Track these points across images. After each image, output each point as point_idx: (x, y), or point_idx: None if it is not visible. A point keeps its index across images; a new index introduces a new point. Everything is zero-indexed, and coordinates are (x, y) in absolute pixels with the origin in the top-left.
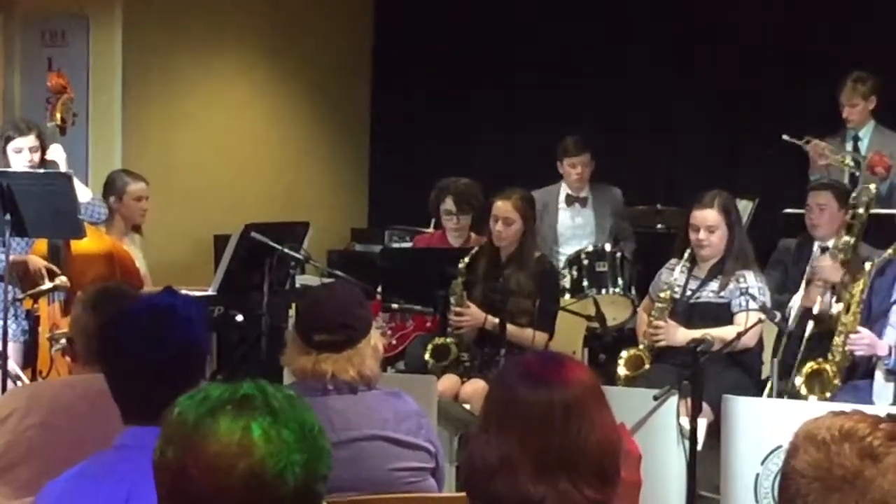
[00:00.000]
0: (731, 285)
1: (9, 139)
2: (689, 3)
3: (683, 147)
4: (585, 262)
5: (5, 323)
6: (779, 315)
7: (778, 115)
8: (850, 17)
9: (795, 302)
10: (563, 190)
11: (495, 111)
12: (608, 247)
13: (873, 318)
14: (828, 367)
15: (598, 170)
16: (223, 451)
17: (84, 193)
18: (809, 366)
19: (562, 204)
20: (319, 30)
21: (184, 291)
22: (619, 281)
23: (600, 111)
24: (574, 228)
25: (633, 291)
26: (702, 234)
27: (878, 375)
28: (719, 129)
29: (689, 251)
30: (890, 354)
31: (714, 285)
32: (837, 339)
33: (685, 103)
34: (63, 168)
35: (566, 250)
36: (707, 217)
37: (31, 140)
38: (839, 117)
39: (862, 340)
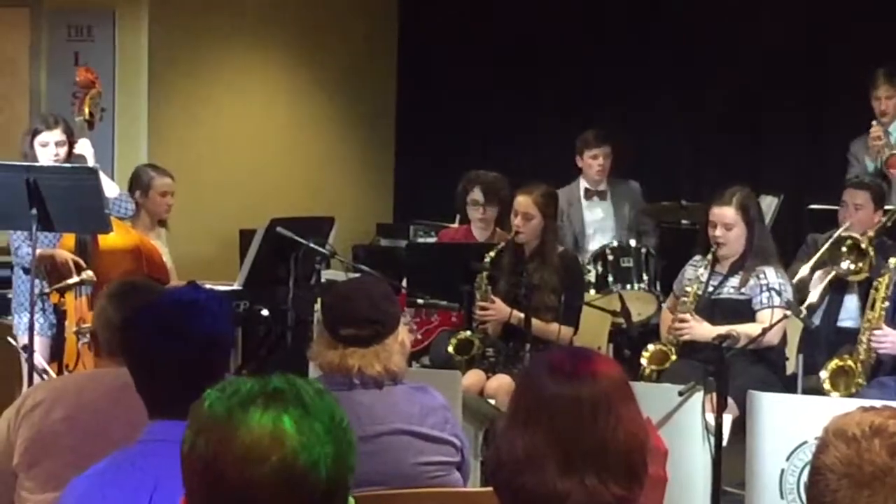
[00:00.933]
0: (752, 281)
1: (36, 133)
2: (714, 2)
3: (709, 142)
4: (610, 257)
5: (32, 317)
6: (804, 311)
7: (802, 111)
8: (872, 15)
9: (813, 296)
10: (582, 185)
11: (519, 107)
12: (633, 242)
13: None
14: (852, 363)
15: (622, 165)
16: (256, 441)
17: (111, 189)
18: (834, 362)
19: (582, 199)
20: (345, 25)
21: (209, 286)
22: (644, 276)
23: (624, 106)
24: (595, 223)
25: (658, 287)
26: (719, 231)
27: None
28: (745, 125)
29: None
30: None
31: (735, 281)
32: (863, 337)
33: (711, 99)
34: (91, 163)
35: (590, 246)
36: (725, 214)
37: (57, 134)
38: (863, 113)
39: (886, 338)
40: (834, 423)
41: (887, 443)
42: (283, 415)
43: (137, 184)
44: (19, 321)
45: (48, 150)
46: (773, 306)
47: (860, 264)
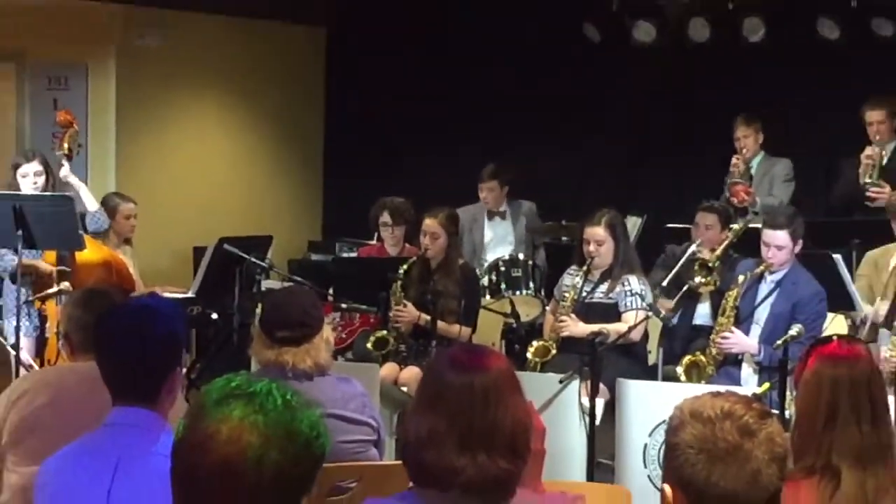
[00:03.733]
0: (618, 288)
1: (17, 166)
2: (596, 49)
3: (588, 172)
4: (503, 268)
5: (18, 321)
6: (663, 311)
7: (665, 147)
8: (734, 69)
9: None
10: (485, 207)
11: (430, 142)
12: (521, 255)
13: (742, 319)
14: (703, 358)
15: (516, 190)
16: (213, 435)
17: (92, 203)
18: (688, 358)
19: (485, 218)
20: (280, 79)
21: (167, 294)
22: (531, 284)
23: (519, 142)
24: (496, 238)
25: (543, 293)
26: (591, 247)
27: (745, 366)
28: (617, 158)
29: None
30: (760, 352)
31: (604, 288)
32: (715, 337)
33: (590, 136)
34: (76, 185)
35: (489, 256)
36: (596, 232)
37: (35, 165)
38: (715, 150)
39: (728, 340)
40: (689, 405)
41: (737, 424)
42: (246, 418)
43: (105, 209)
44: (8, 324)
45: (28, 179)
46: (636, 308)
47: (708, 278)
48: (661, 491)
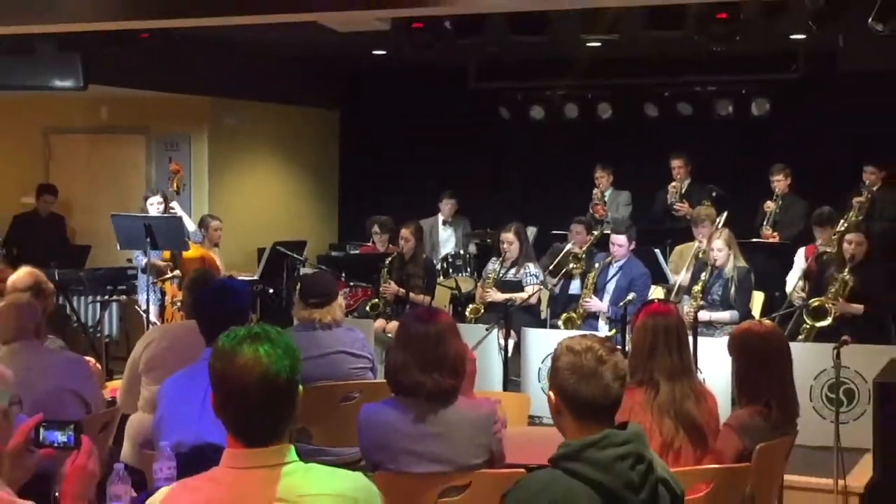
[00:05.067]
0: (522, 271)
1: (147, 198)
2: (507, 123)
3: (503, 198)
4: (450, 259)
5: (148, 295)
6: (551, 285)
7: (553, 182)
8: (594, 133)
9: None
10: (440, 218)
11: (402, 183)
12: (461, 251)
13: (598, 290)
14: (575, 315)
15: (459, 209)
16: (246, 362)
17: (191, 225)
18: (566, 315)
19: (440, 226)
20: (310, 143)
21: (240, 277)
22: (468, 269)
23: (460, 181)
24: (445, 239)
25: (476, 275)
26: (505, 246)
27: (601, 320)
28: (523, 190)
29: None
30: (609, 311)
31: (513, 271)
32: (582, 301)
33: (504, 177)
34: (179, 213)
35: (443, 251)
36: (508, 237)
37: (158, 198)
38: (590, 187)
39: (589, 303)
40: (565, 342)
41: (594, 355)
42: (260, 346)
43: (202, 224)
44: (141, 297)
45: (153, 206)
46: (533, 284)
47: (578, 265)
48: (548, 396)
